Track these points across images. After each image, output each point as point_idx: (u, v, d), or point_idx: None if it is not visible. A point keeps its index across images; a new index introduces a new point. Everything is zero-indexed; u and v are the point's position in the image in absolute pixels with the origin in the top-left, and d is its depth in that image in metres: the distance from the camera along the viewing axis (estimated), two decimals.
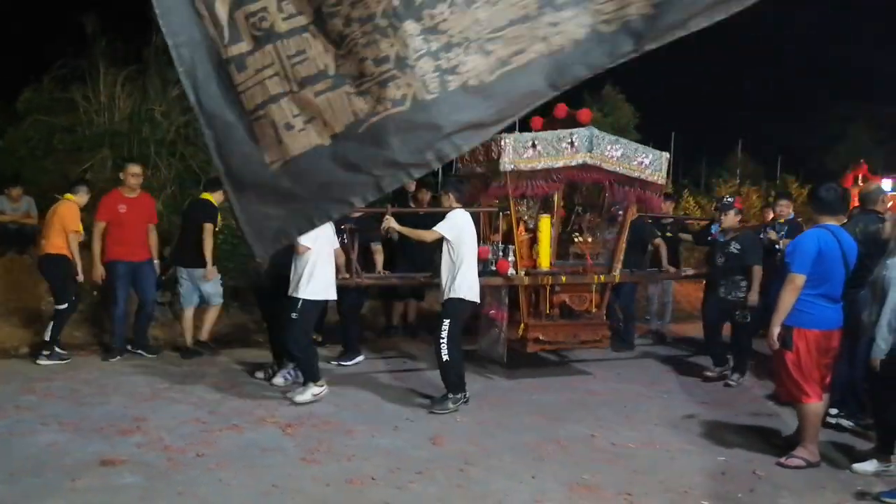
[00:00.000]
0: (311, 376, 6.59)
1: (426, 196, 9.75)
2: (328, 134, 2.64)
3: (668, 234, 9.78)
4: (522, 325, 7.65)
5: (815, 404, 5.31)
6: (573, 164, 7.35)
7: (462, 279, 6.43)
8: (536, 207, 8.05)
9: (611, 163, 7.50)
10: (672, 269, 9.25)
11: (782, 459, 5.31)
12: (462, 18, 2.54)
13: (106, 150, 10.54)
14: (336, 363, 7.90)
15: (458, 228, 6.50)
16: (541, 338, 7.67)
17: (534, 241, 7.78)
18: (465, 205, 6.91)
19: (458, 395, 6.46)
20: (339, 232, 7.02)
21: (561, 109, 7.89)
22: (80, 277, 7.82)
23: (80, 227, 7.79)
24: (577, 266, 7.98)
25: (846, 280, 5.32)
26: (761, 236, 8.26)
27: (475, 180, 7.75)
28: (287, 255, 6.53)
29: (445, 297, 6.51)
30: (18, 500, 4.29)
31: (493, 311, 7.66)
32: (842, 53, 26.15)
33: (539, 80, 2.57)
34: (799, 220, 8.84)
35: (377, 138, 2.58)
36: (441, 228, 6.50)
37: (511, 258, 7.50)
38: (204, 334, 8.33)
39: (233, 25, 2.60)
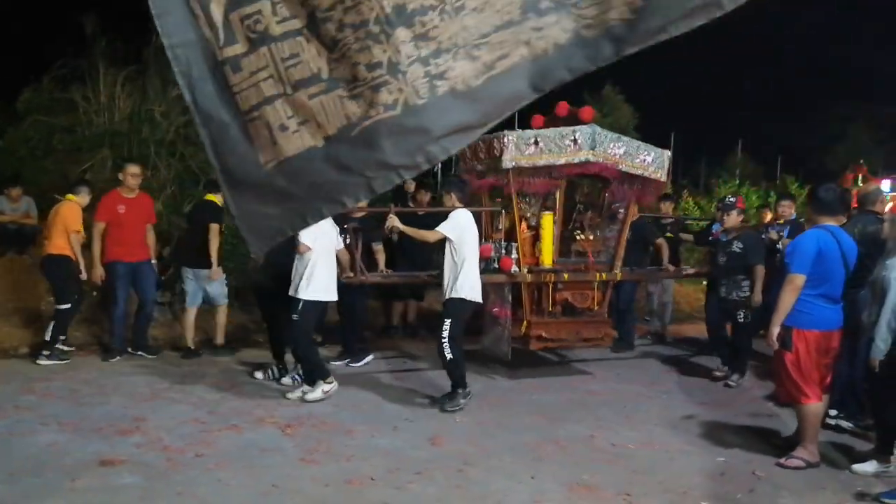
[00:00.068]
0: (319, 374, 6.61)
1: (425, 197, 9.76)
2: (321, 136, 2.70)
3: (669, 235, 9.78)
4: (525, 322, 7.65)
5: (815, 405, 5.31)
6: (576, 161, 7.36)
7: (464, 279, 6.44)
8: (538, 205, 8.05)
9: (614, 160, 7.52)
10: (672, 268, 9.25)
11: (782, 460, 5.31)
12: (451, 25, 2.61)
13: (106, 151, 10.55)
14: (345, 363, 7.91)
15: (460, 228, 6.51)
16: (543, 335, 7.67)
17: (536, 238, 7.79)
18: (467, 204, 6.91)
19: (467, 390, 6.51)
20: (342, 232, 7.03)
21: (563, 108, 7.89)
22: (84, 276, 7.85)
23: (82, 228, 7.82)
24: (579, 264, 7.98)
25: (846, 280, 5.32)
26: (763, 236, 8.26)
27: (475, 176, 7.74)
28: (288, 255, 6.54)
29: (447, 297, 6.51)
30: (18, 500, 4.29)
31: (496, 309, 7.66)
32: (842, 53, 26.21)
33: (522, 84, 2.65)
34: (801, 220, 8.84)
35: (370, 141, 2.65)
36: (444, 229, 6.51)
37: (514, 255, 7.51)
38: (219, 338, 8.43)
39: (228, 27, 2.64)
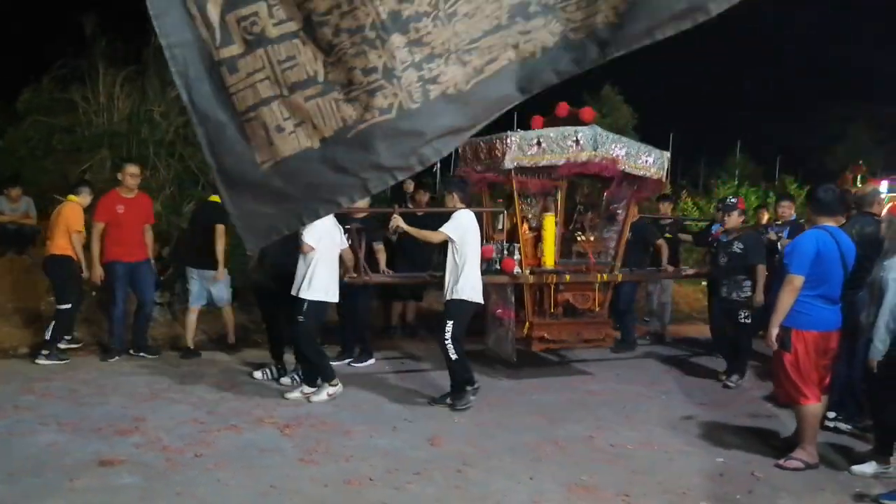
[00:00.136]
0: (325, 376, 6.63)
1: (424, 197, 9.78)
2: (318, 138, 2.74)
3: (668, 235, 9.78)
4: (527, 324, 7.66)
5: (814, 406, 5.31)
6: (578, 161, 7.36)
7: (465, 280, 6.45)
8: (539, 206, 8.06)
9: (616, 161, 7.52)
10: (671, 268, 9.26)
11: (781, 461, 5.31)
12: (443, 32, 2.66)
13: (105, 151, 10.56)
14: (346, 363, 7.93)
15: (462, 229, 6.52)
16: (545, 336, 7.69)
17: (538, 239, 7.80)
18: (469, 204, 6.92)
19: (475, 386, 6.55)
20: (345, 232, 7.03)
21: (563, 108, 7.89)
22: (86, 274, 7.88)
23: (83, 228, 7.84)
24: (580, 265, 7.99)
25: (844, 281, 5.32)
26: (762, 237, 8.26)
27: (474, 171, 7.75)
28: (289, 255, 6.55)
29: (448, 298, 6.52)
30: (18, 500, 4.29)
31: (499, 310, 7.67)
32: (841, 53, 26.19)
33: (510, 87, 2.72)
34: (801, 221, 8.85)
35: (365, 143, 2.70)
36: (447, 229, 6.52)
37: (516, 257, 7.52)
38: (231, 337, 8.53)
39: (224, 28, 2.67)
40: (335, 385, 6.61)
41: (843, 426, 6.08)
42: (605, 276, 7.96)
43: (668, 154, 8.11)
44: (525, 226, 7.80)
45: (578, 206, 8.49)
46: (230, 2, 2.68)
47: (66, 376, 7.07)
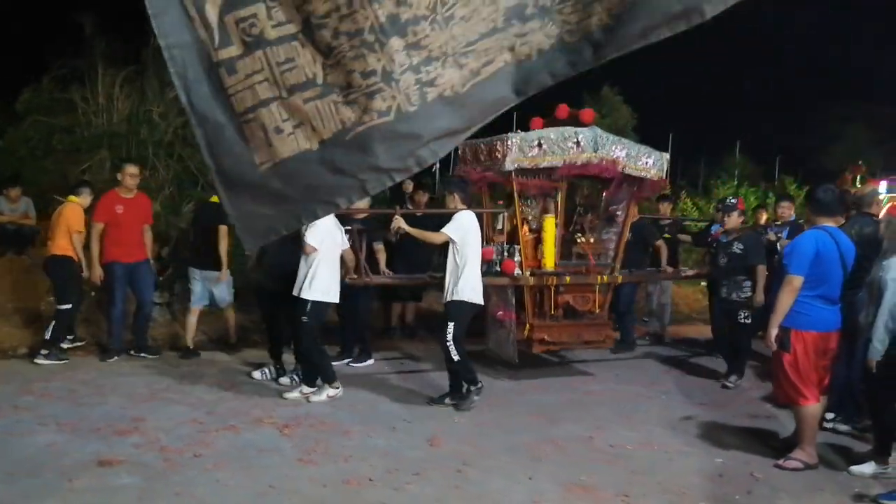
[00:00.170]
0: (326, 378, 6.64)
1: (423, 197, 9.78)
2: (316, 139, 2.76)
3: (667, 236, 9.78)
4: (528, 325, 7.66)
5: (813, 406, 5.31)
6: (578, 163, 7.36)
7: (465, 281, 6.45)
8: (539, 208, 8.06)
9: (616, 163, 7.52)
10: (670, 269, 9.26)
11: (780, 461, 5.31)
12: (441, 35, 2.69)
13: (104, 151, 10.55)
14: (345, 363, 7.93)
15: (463, 230, 6.52)
16: (546, 338, 7.70)
17: (538, 241, 7.80)
18: (470, 205, 6.92)
19: (478, 386, 6.56)
20: (346, 233, 7.03)
21: (563, 110, 7.88)
22: (86, 274, 7.90)
23: (84, 228, 7.86)
24: (580, 266, 7.99)
25: (844, 282, 5.32)
26: (762, 237, 8.26)
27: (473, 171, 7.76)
28: (290, 256, 6.54)
29: (448, 300, 6.52)
30: (16, 501, 4.29)
31: (500, 312, 7.67)
32: (841, 53, 26.19)
33: (506, 89, 2.74)
34: (800, 221, 8.85)
35: (363, 146, 2.72)
36: (448, 230, 6.52)
37: (517, 258, 7.52)
38: (232, 338, 8.59)
39: (223, 29, 2.68)
40: (336, 387, 6.61)
41: (841, 427, 6.08)
42: (605, 277, 7.96)
43: (667, 155, 8.12)
44: (525, 227, 7.81)
45: (578, 208, 8.49)
46: (229, 3, 2.69)
47: (65, 376, 7.07)
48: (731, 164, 19.67)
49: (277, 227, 2.90)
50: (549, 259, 7.68)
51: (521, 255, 7.54)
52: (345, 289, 6.96)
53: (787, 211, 8.93)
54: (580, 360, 8.61)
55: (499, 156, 7.30)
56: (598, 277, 7.90)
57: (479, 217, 7.21)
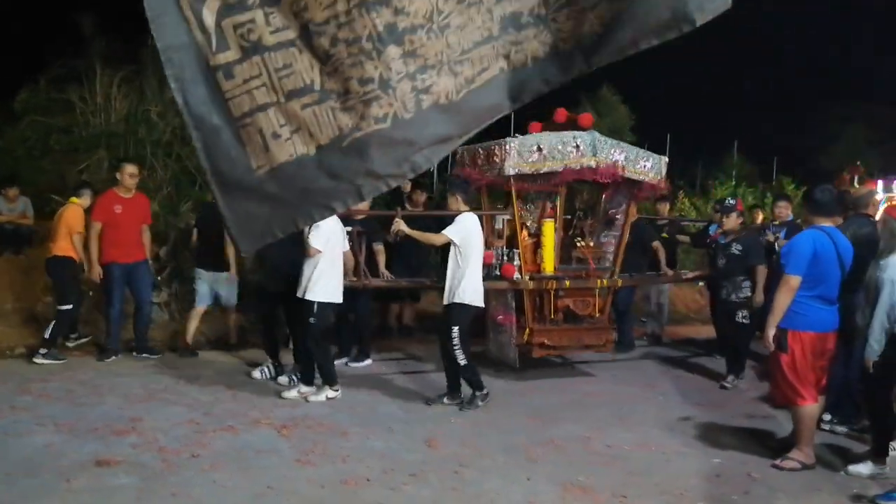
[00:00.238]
0: (327, 379, 6.65)
1: (421, 197, 9.76)
2: (314, 145, 2.80)
3: (665, 236, 9.78)
4: (528, 330, 7.66)
5: (810, 406, 5.31)
6: (579, 167, 7.36)
7: (467, 284, 6.45)
8: (538, 212, 8.06)
9: (615, 166, 7.51)
10: (671, 272, 9.27)
11: (777, 461, 5.31)
12: (437, 43, 2.75)
13: (102, 151, 10.53)
14: (343, 363, 7.93)
15: (465, 232, 6.52)
16: (546, 343, 7.70)
17: (537, 245, 7.80)
18: (472, 208, 6.92)
19: (484, 392, 6.57)
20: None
21: (561, 114, 7.87)
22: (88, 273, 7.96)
23: (84, 229, 7.90)
24: (579, 270, 7.98)
25: (842, 282, 5.32)
26: (760, 238, 8.26)
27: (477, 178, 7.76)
28: (290, 257, 6.53)
29: (450, 302, 6.51)
30: (14, 501, 4.29)
31: (500, 316, 7.67)
32: (841, 53, 26.19)
33: (500, 96, 2.82)
34: (798, 221, 8.84)
35: (360, 151, 2.77)
36: (450, 232, 6.51)
37: (516, 262, 7.52)
38: (233, 338, 8.67)
39: (220, 34, 2.69)
40: (336, 390, 6.62)
41: (839, 429, 6.08)
42: (604, 281, 7.95)
43: (665, 159, 8.11)
44: (524, 232, 7.80)
45: (578, 212, 8.49)
46: (226, 8, 2.70)
47: (63, 377, 7.06)
48: (729, 165, 19.66)
49: (273, 230, 2.92)
50: (549, 263, 7.68)
51: (520, 260, 7.54)
52: (343, 289, 6.96)
53: (785, 211, 8.92)
54: (578, 361, 8.60)
55: (497, 160, 7.30)
56: (598, 281, 7.90)
57: (480, 220, 7.22)
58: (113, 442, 5.32)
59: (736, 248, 7.61)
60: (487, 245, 7.51)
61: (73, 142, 10.92)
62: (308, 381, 6.72)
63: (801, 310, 5.24)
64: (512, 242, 7.78)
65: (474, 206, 7.14)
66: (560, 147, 7.31)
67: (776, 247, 8.01)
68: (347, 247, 6.96)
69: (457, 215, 6.65)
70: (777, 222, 8.80)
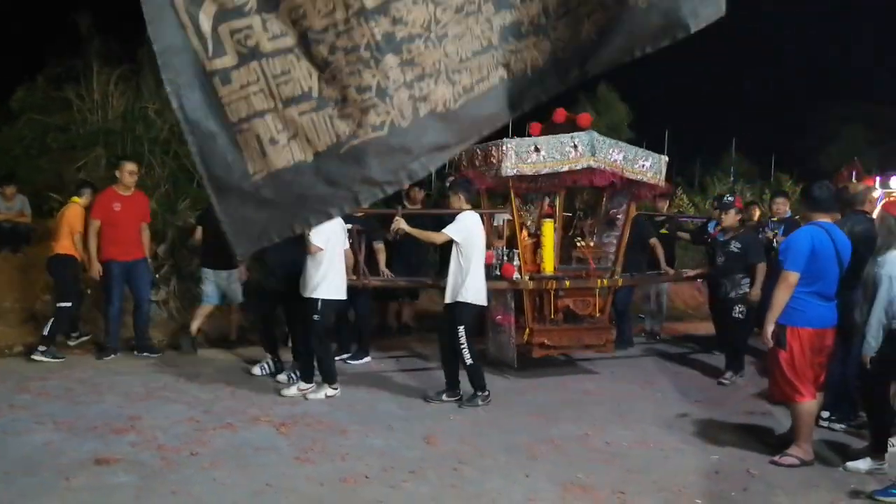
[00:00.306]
0: (328, 377, 6.65)
1: (420, 195, 9.77)
2: (311, 151, 2.82)
3: (664, 232, 9.78)
4: (528, 330, 7.66)
5: (809, 403, 5.32)
6: (578, 167, 7.35)
7: (470, 282, 6.45)
8: (537, 212, 8.06)
9: (614, 166, 7.51)
10: (671, 271, 9.27)
11: (776, 458, 5.32)
12: (434, 52, 2.78)
13: (100, 149, 10.51)
14: (341, 360, 7.93)
15: (466, 230, 6.51)
16: (546, 342, 7.70)
17: (537, 245, 7.79)
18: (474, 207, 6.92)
19: (486, 394, 6.58)
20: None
21: (560, 114, 7.86)
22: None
23: (83, 228, 7.93)
24: (579, 270, 7.98)
25: (840, 278, 5.33)
26: (759, 235, 8.27)
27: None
28: (293, 256, 6.53)
29: (453, 301, 6.51)
30: (14, 500, 4.28)
31: (499, 317, 7.67)
32: (839, 53, 26.20)
33: (499, 105, 2.84)
34: (796, 217, 8.85)
35: (357, 158, 2.80)
36: (450, 231, 6.51)
37: (516, 262, 7.52)
38: (233, 335, 8.76)
39: (216, 39, 2.72)
40: (335, 388, 6.62)
41: (836, 426, 6.09)
42: (605, 281, 7.95)
43: (665, 158, 8.10)
44: (524, 231, 7.80)
45: (578, 212, 8.49)
46: (223, 13, 2.72)
47: (62, 375, 7.06)
48: (728, 163, 19.70)
49: (270, 234, 2.94)
50: (549, 263, 7.68)
51: (520, 259, 7.54)
52: (350, 289, 6.97)
53: (783, 207, 8.92)
54: (577, 358, 8.61)
55: (494, 161, 7.29)
56: (598, 281, 7.90)
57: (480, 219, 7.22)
58: (112, 440, 5.31)
59: (735, 246, 7.62)
60: (488, 245, 7.53)
61: (70, 140, 10.90)
62: (308, 378, 6.72)
63: (799, 306, 5.25)
64: (512, 242, 7.77)
65: (474, 206, 7.13)
66: (559, 147, 7.30)
67: (774, 243, 8.02)
68: (348, 245, 6.96)
69: (458, 214, 6.65)
70: (775, 219, 8.80)
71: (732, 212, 7.83)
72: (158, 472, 4.75)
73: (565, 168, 7.33)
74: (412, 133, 2.79)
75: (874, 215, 6.11)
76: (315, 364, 6.75)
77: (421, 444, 5.51)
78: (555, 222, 7.81)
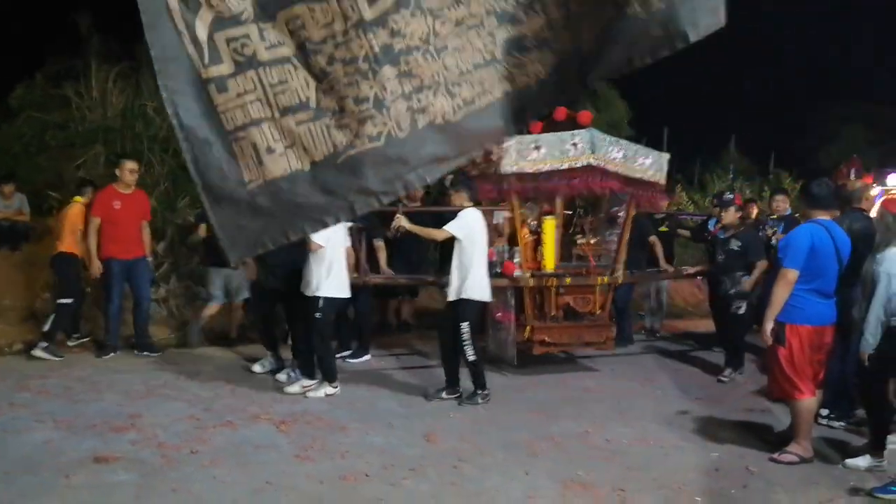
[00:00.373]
0: (328, 376, 6.65)
1: (419, 192, 9.75)
2: (308, 160, 2.86)
3: (665, 230, 9.78)
4: (528, 327, 7.66)
5: (808, 400, 5.32)
6: (578, 165, 7.33)
7: (473, 279, 6.45)
8: (538, 210, 8.05)
9: (613, 164, 7.50)
10: (671, 269, 9.27)
11: (775, 455, 5.33)
12: (433, 65, 2.81)
13: (99, 147, 10.50)
14: (341, 358, 7.92)
15: (468, 227, 6.51)
16: (546, 340, 7.70)
17: (538, 242, 7.79)
18: (476, 204, 6.91)
19: (486, 392, 6.58)
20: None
21: (560, 112, 7.83)
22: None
23: (84, 226, 7.96)
24: (580, 268, 7.98)
25: (839, 275, 5.33)
26: (760, 233, 8.27)
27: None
28: (294, 254, 6.53)
29: (457, 298, 6.51)
30: (13, 499, 4.28)
31: (499, 314, 7.67)
32: (839, 53, 26.19)
33: (503, 119, 2.86)
34: (796, 215, 8.84)
35: (354, 169, 2.83)
36: (451, 227, 6.51)
37: (517, 260, 7.51)
38: (234, 332, 8.78)
39: (213, 47, 2.74)
40: (335, 387, 6.62)
41: (835, 424, 6.09)
42: (605, 278, 7.95)
43: (667, 155, 8.08)
44: (525, 229, 7.80)
45: (578, 210, 8.48)
46: (219, 21, 2.73)
47: (62, 373, 7.05)
48: (727, 160, 19.71)
49: (264, 241, 2.97)
50: (549, 260, 7.68)
51: (520, 257, 7.53)
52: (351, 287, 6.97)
53: (783, 205, 8.90)
54: (577, 356, 8.61)
55: (493, 158, 7.28)
56: (599, 278, 7.90)
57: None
58: (112, 438, 5.31)
59: (735, 245, 7.62)
60: (490, 242, 7.52)
61: (69, 137, 10.89)
62: (310, 374, 6.73)
63: (798, 303, 5.25)
64: (512, 240, 7.77)
65: (475, 203, 7.12)
66: (559, 145, 7.29)
67: (773, 240, 8.02)
68: (349, 243, 6.96)
69: (458, 211, 6.64)
70: (774, 216, 8.80)
71: (732, 209, 7.83)
72: (158, 471, 4.75)
73: (565, 166, 7.30)
74: (409, 144, 2.82)
75: (872, 213, 6.12)
76: (315, 362, 6.75)
77: (421, 442, 5.51)
78: (555, 219, 7.79)
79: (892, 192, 10.64)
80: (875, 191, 8.59)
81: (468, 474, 4.89)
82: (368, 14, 2.75)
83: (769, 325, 5.28)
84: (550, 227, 7.67)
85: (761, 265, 7.52)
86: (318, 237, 6.36)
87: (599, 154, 7.34)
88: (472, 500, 4.52)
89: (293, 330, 7.32)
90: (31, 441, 5.21)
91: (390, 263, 8.27)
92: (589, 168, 7.34)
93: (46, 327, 7.68)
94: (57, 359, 7.52)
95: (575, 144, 7.28)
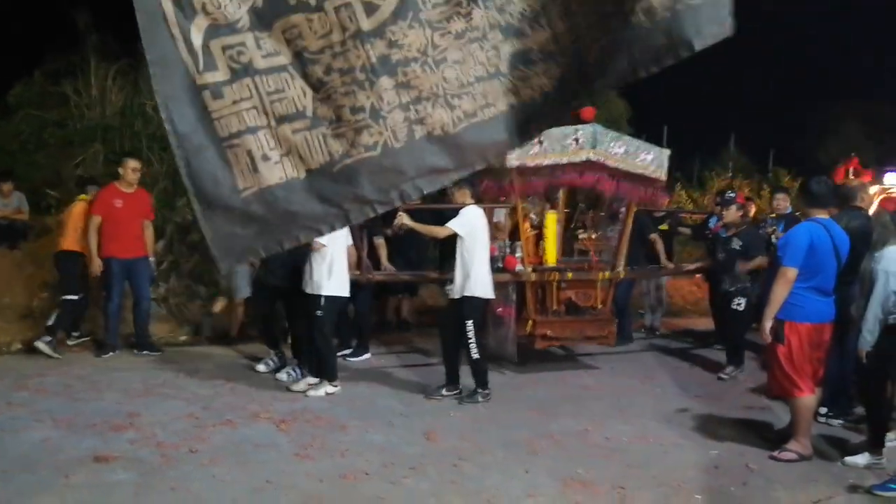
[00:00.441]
0: (328, 375, 6.64)
1: None
2: (304, 169, 2.86)
3: (663, 227, 9.77)
4: (530, 322, 7.66)
5: (807, 398, 5.33)
6: (577, 160, 7.33)
7: (476, 277, 6.45)
8: (540, 205, 8.05)
9: (614, 160, 7.49)
10: (671, 265, 9.26)
11: (775, 453, 5.33)
12: (431, 77, 2.82)
13: (98, 145, 10.49)
14: (341, 357, 7.91)
15: (470, 225, 6.50)
16: (548, 334, 7.70)
17: (539, 237, 7.79)
18: (478, 201, 6.90)
19: (486, 391, 6.57)
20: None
21: None
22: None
23: (84, 224, 7.96)
24: (581, 263, 7.98)
25: (838, 273, 5.33)
26: (760, 231, 8.27)
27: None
28: (295, 253, 6.51)
29: (460, 296, 6.50)
30: (12, 498, 4.28)
31: (500, 309, 7.66)
32: (840, 53, 26.16)
33: (507, 132, 2.86)
34: (796, 213, 8.82)
35: (350, 178, 2.84)
36: (453, 225, 6.50)
37: (518, 255, 7.51)
38: (234, 331, 8.80)
39: (208, 54, 2.75)
40: (335, 386, 6.62)
41: (834, 422, 6.09)
42: (607, 273, 7.95)
43: (668, 151, 8.08)
44: (527, 224, 7.79)
45: (580, 205, 8.48)
46: (214, 28, 2.74)
47: (61, 372, 7.05)
48: (726, 158, 19.72)
49: (257, 249, 2.98)
50: (551, 255, 7.68)
51: (522, 252, 7.53)
52: (351, 285, 6.96)
53: (783, 203, 8.88)
54: (576, 353, 8.61)
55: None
56: (600, 273, 7.89)
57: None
58: (111, 437, 5.31)
59: (736, 244, 7.63)
60: (491, 238, 7.51)
61: (67, 135, 10.87)
62: (313, 371, 6.72)
63: (797, 301, 5.25)
64: (514, 235, 7.77)
65: (477, 201, 7.12)
66: (560, 139, 7.28)
67: (773, 239, 8.01)
68: (351, 241, 6.95)
69: (459, 208, 6.63)
70: (773, 215, 8.79)
71: (734, 207, 7.83)
72: (157, 469, 4.75)
73: (565, 160, 7.31)
74: (406, 154, 2.82)
75: (870, 211, 6.12)
76: (314, 360, 6.74)
77: (421, 441, 5.51)
78: (557, 214, 7.79)
79: (890, 190, 10.66)
80: (873, 189, 8.60)
81: (468, 472, 4.89)
82: (366, 25, 2.75)
83: (768, 323, 5.29)
84: (552, 221, 7.68)
85: (759, 260, 7.52)
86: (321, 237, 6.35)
87: (600, 149, 7.34)
88: (473, 499, 4.52)
89: (293, 328, 7.32)
90: (29, 440, 5.20)
91: (390, 261, 8.26)
92: (588, 163, 7.34)
93: (51, 322, 7.71)
94: (55, 357, 7.51)
95: (576, 139, 7.28)
